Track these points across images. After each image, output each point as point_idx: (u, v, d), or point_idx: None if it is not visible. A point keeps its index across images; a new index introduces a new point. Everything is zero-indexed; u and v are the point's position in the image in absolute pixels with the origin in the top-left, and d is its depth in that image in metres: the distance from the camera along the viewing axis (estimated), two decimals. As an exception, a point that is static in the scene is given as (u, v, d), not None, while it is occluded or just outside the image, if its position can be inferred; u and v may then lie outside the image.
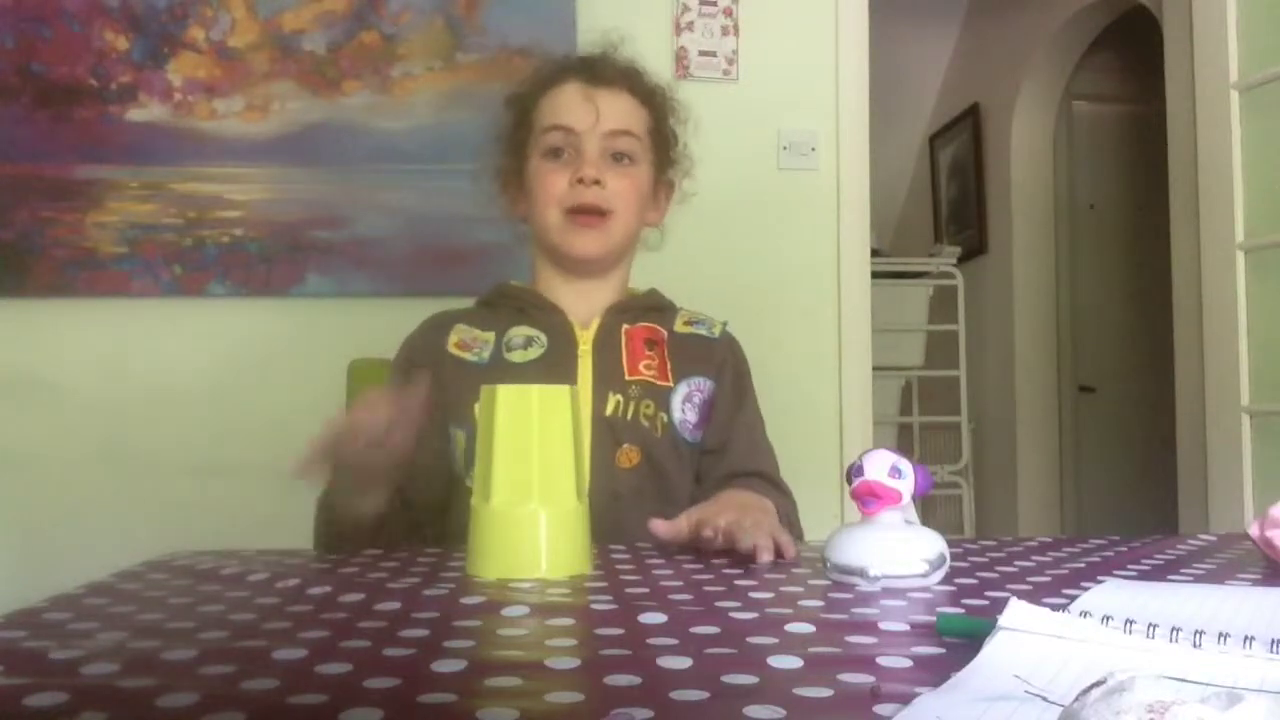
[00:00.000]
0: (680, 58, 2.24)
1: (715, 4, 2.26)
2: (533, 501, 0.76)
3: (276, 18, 2.08)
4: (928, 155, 4.50)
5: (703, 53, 2.25)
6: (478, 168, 1.22)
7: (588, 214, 1.11)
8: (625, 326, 1.15)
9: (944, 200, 4.38)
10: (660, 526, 0.87)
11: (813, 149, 2.29)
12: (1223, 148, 2.29)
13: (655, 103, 1.19)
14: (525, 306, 1.16)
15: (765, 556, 0.80)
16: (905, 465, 0.72)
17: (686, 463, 1.14)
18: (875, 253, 2.74)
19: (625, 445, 1.09)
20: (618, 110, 1.14)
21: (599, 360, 1.12)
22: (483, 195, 1.22)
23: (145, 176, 2.04)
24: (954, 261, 3.74)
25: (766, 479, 1.13)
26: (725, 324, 1.23)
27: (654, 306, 1.21)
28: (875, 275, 2.48)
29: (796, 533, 1.07)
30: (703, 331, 1.20)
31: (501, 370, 1.10)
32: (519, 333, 1.13)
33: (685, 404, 1.14)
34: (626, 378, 1.12)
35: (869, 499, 0.72)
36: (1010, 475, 3.84)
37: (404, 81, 2.11)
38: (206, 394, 2.06)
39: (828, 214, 2.29)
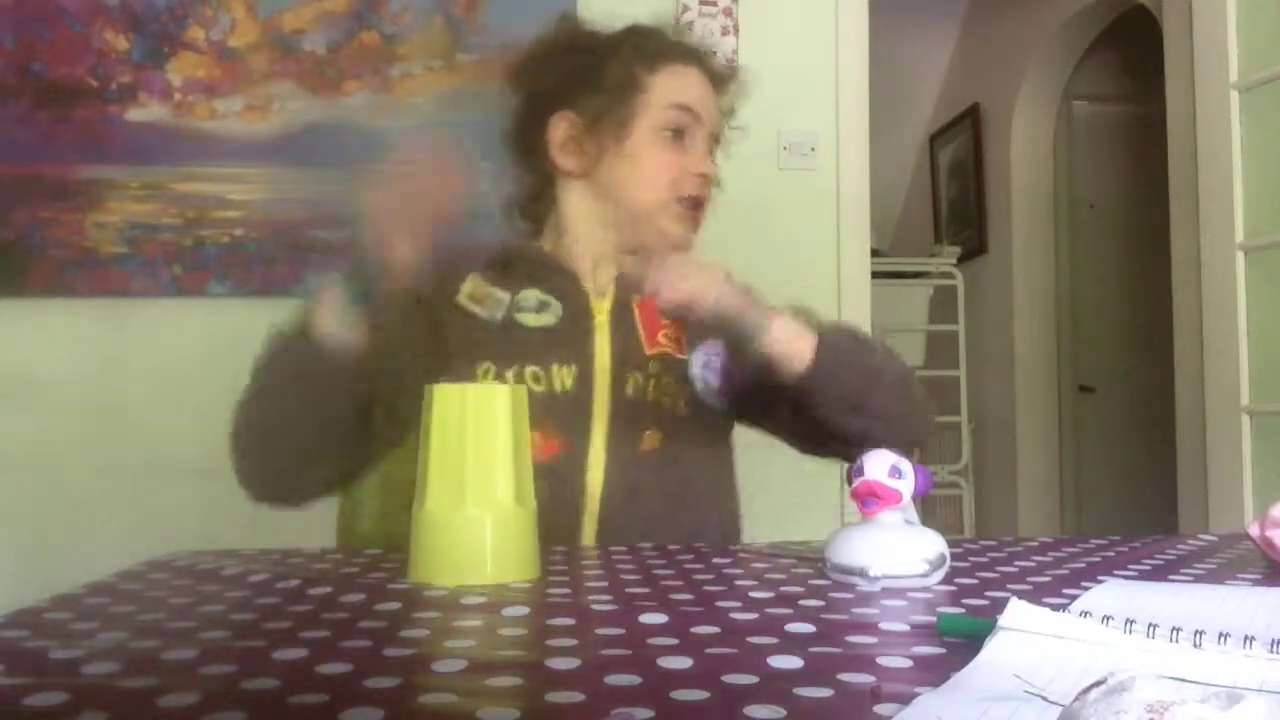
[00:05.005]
0: (680, 58, 2.24)
1: (715, 4, 2.26)
2: (468, 505, 0.72)
3: (276, 18, 2.08)
4: (928, 155, 4.49)
5: (703, 53, 2.25)
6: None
7: (693, 205, 1.12)
8: (637, 298, 1.11)
9: (944, 200, 4.37)
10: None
11: (813, 149, 2.29)
12: (1223, 148, 2.29)
13: (726, 101, 1.21)
14: (536, 271, 1.11)
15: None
16: (905, 465, 0.72)
17: (718, 434, 1.13)
18: (875, 253, 2.74)
19: (648, 431, 1.06)
20: (718, 112, 1.18)
21: (616, 335, 1.08)
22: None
23: (145, 176, 2.04)
24: (954, 261, 3.74)
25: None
26: None
27: None
28: (875, 275, 2.48)
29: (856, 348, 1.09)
30: None
31: (512, 331, 1.06)
32: (531, 295, 1.09)
33: (705, 370, 1.11)
34: (646, 353, 1.08)
35: (869, 499, 0.72)
36: (1010, 475, 3.84)
37: (404, 81, 2.11)
38: (206, 394, 2.05)
39: (828, 214, 2.29)
